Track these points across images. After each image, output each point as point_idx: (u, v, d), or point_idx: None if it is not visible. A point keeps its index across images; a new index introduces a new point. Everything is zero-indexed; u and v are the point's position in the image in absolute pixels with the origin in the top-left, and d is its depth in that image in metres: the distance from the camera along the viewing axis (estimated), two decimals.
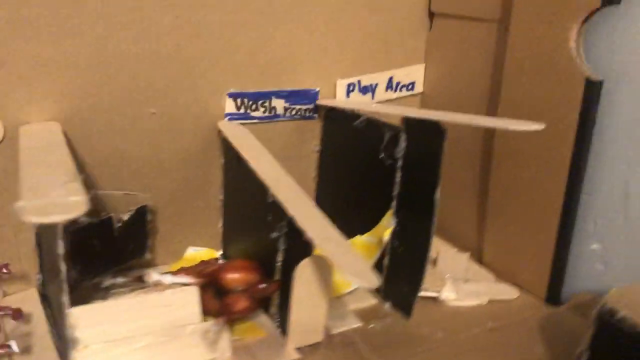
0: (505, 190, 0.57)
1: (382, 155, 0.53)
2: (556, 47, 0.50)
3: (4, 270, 0.47)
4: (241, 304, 0.45)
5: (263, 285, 0.44)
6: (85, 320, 0.41)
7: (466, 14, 0.59)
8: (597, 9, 0.47)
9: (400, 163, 0.52)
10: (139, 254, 0.53)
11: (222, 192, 0.59)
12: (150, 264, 0.57)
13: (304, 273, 0.44)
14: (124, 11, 0.49)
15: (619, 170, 0.54)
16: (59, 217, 0.27)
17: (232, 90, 0.56)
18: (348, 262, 0.38)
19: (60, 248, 0.37)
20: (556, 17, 0.49)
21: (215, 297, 0.46)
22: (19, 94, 0.48)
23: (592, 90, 0.48)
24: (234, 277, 0.45)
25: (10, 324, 0.46)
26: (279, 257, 0.48)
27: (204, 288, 0.46)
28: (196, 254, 0.59)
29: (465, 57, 0.61)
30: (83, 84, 0.50)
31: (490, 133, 0.58)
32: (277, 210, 0.45)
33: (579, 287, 0.59)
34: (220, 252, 0.61)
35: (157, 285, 0.43)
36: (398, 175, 0.52)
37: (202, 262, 0.53)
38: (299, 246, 0.44)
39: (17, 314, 0.46)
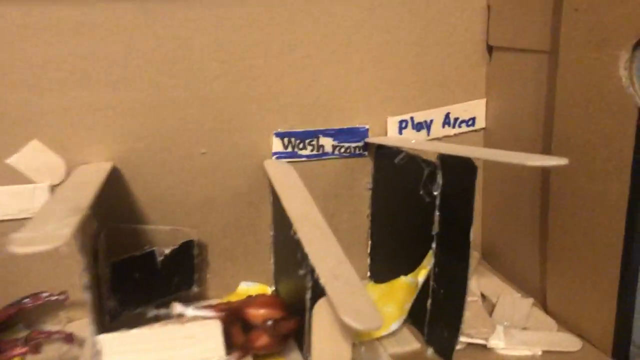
0: (563, 232, 0.53)
1: (422, 192, 0.52)
2: (605, 76, 0.46)
3: (61, 297, 0.51)
4: (262, 340, 0.45)
5: (270, 322, 0.44)
6: (111, 347, 0.43)
7: (520, 46, 0.57)
8: None
9: (438, 200, 0.50)
10: (185, 286, 0.55)
11: (272, 229, 0.60)
12: (202, 297, 0.59)
13: (321, 312, 0.44)
14: (172, 60, 0.53)
15: None
16: (35, 249, 0.30)
17: (279, 130, 0.58)
18: (349, 301, 0.37)
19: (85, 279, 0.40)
20: (604, 43, 0.46)
21: (242, 332, 0.47)
22: (79, 137, 0.53)
23: None
24: (256, 312, 0.46)
25: (63, 347, 0.50)
26: (308, 295, 0.48)
27: (232, 322, 0.47)
28: (248, 288, 0.61)
29: (522, 90, 0.58)
30: (137, 128, 0.54)
31: (547, 171, 0.55)
32: (302, 248, 0.45)
33: None
34: (273, 287, 0.62)
35: (180, 318, 0.45)
36: (436, 214, 0.50)
37: (248, 297, 0.55)
38: (320, 285, 0.44)
39: (69, 338, 0.50)
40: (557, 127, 0.52)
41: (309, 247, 0.43)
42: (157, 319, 0.51)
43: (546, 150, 0.55)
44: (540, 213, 0.57)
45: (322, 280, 0.39)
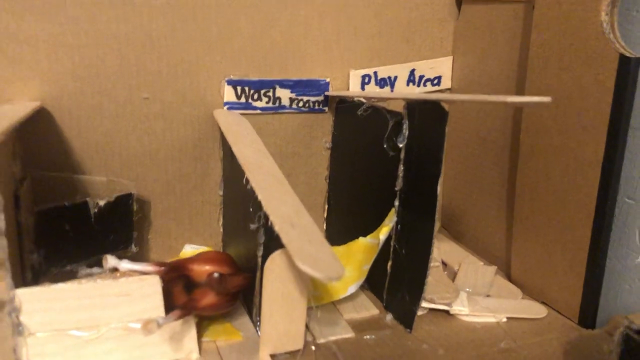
0: (531, 194, 0.50)
1: (385, 146, 0.48)
2: (584, 21, 0.43)
3: None
4: (207, 299, 0.40)
5: (216, 275, 0.39)
6: (32, 304, 0.38)
7: None
8: None
9: (402, 153, 0.46)
10: (122, 245, 0.50)
11: (222, 187, 0.55)
12: (141, 259, 0.54)
13: (275, 268, 0.39)
14: None
15: None
16: None
17: (231, 77, 0.53)
18: (307, 249, 0.33)
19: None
20: None
21: (185, 291, 0.42)
22: (1, 72, 0.46)
23: (627, 69, 0.41)
24: (200, 268, 0.41)
25: None
26: (259, 252, 0.43)
27: (174, 280, 0.42)
28: (194, 252, 0.56)
29: (493, 46, 0.55)
30: (69, 65, 0.48)
31: (517, 128, 0.52)
32: (254, 198, 0.40)
33: (624, 307, 0.50)
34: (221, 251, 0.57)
35: (114, 272, 0.39)
36: (401, 168, 0.46)
37: (197, 254, 0.49)
38: (275, 238, 0.39)
39: None
40: (530, 81, 0.49)
41: (263, 195, 0.38)
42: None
43: (517, 109, 0.52)
44: (509, 174, 0.54)
45: (277, 228, 0.34)
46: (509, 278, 0.55)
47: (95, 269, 0.47)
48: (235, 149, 0.44)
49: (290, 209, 0.38)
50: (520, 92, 0.51)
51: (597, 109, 0.43)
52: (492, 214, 0.57)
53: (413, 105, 0.44)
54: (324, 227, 0.60)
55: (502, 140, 0.54)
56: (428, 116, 0.43)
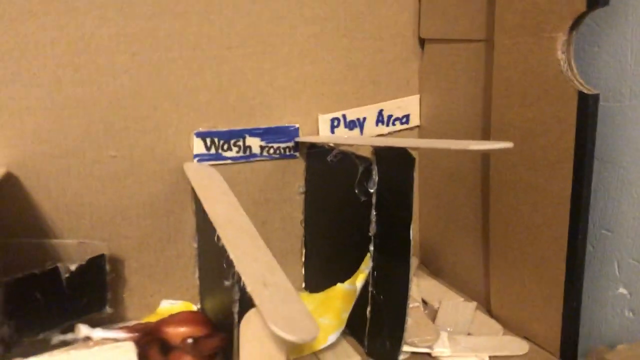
0: (505, 229, 0.50)
1: (357, 191, 0.48)
2: (542, 60, 0.44)
3: None
4: None
5: (190, 340, 0.39)
6: None
7: (453, 37, 0.54)
8: (584, 13, 0.41)
9: (374, 199, 0.46)
10: (97, 307, 0.49)
11: (196, 240, 0.55)
12: (117, 319, 0.53)
13: (251, 327, 0.39)
14: (75, 51, 0.48)
15: None
16: None
17: (200, 130, 0.53)
18: (280, 310, 0.33)
19: None
20: (540, 27, 0.44)
21: (161, 354, 0.41)
22: None
23: (586, 106, 0.41)
24: (175, 331, 0.40)
25: None
26: (235, 309, 0.43)
27: (149, 343, 0.41)
28: (171, 307, 0.55)
29: (457, 84, 0.56)
30: (35, 128, 0.48)
31: (487, 163, 0.52)
32: (227, 256, 0.40)
33: (607, 339, 0.50)
34: (198, 305, 0.56)
35: (87, 341, 0.39)
36: (373, 213, 0.46)
37: (171, 315, 0.49)
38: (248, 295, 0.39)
39: None
40: (494, 118, 0.49)
41: (235, 253, 0.38)
42: (64, 346, 0.44)
43: None
44: (482, 210, 0.54)
45: (250, 289, 0.34)
46: (490, 313, 0.55)
47: (69, 335, 0.45)
48: (205, 205, 0.44)
49: (263, 266, 0.37)
50: (486, 127, 0.52)
51: (561, 145, 0.44)
52: (469, 249, 0.57)
53: (380, 151, 0.45)
54: (303, 272, 0.60)
55: (472, 175, 0.55)
56: (395, 162, 0.43)
